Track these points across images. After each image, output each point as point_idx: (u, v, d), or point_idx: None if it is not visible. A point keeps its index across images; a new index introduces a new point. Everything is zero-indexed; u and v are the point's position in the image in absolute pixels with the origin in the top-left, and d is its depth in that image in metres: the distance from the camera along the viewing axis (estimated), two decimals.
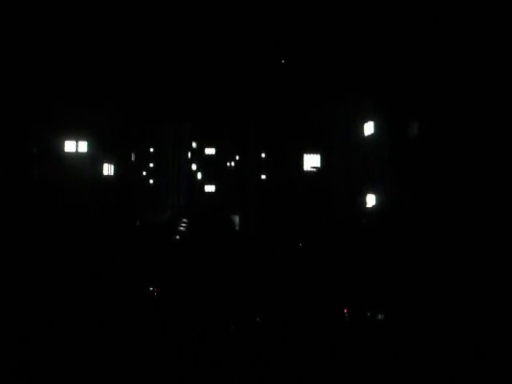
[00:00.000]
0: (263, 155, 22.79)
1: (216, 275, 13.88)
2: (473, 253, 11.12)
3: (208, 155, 35.30)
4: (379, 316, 11.10)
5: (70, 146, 20.74)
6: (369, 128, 19.44)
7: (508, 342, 8.67)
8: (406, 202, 14.73)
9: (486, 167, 11.55)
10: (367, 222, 18.80)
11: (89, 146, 20.92)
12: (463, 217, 11.81)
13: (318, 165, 21.84)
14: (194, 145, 34.99)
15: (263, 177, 22.74)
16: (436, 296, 11.13)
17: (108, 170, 22.10)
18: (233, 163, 34.70)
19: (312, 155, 21.87)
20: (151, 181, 29.55)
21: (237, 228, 25.11)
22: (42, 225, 16.40)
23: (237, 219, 26.56)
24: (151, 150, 29.13)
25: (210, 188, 35.09)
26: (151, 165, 29.53)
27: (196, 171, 35.25)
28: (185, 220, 26.96)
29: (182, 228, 25.53)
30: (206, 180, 35.27)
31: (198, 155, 35.20)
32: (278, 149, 21.86)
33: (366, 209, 19.31)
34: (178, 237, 23.50)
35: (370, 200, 19.26)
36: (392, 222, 15.69)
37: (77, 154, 20.67)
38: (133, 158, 23.60)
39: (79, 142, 20.73)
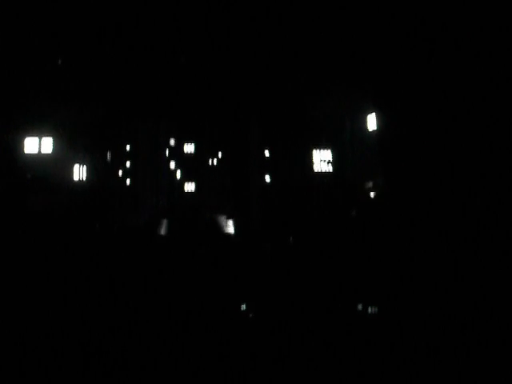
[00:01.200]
0: (264, 150, 21.85)
1: (204, 278, 13.05)
2: (469, 249, 10.37)
3: (187, 153, 34.25)
4: (374, 311, 10.63)
5: (31, 144, 18.50)
6: (371, 122, 19.54)
7: (508, 341, 8.25)
8: (395, 196, 14.31)
9: (482, 166, 10.59)
10: (358, 215, 18.84)
11: (54, 143, 18.85)
12: (457, 213, 11.18)
13: (324, 161, 21.32)
14: (172, 142, 33.80)
15: (263, 171, 21.79)
16: (432, 291, 10.40)
17: (80, 172, 20.16)
18: (215, 160, 33.60)
19: (322, 151, 21.32)
20: (128, 181, 28.16)
21: (224, 229, 23.86)
22: None
23: (223, 220, 25.52)
24: (127, 148, 27.58)
25: (190, 187, 34.12)
26: (128, 165, 28.11)
27: (175, 170, 34.13)
28: (165, 221, 25.81)
29: (162, 231, 24.31)
30: (186, 179, 34.24)
31: (177, 153, 34.09)
32: (281, 144, 20.95)
33: (359, 202, 19.33)
34: (159, 240, 22.22)
35: (366, 193, 19.45)
36: (383, 216, 15.17)
37: (41, 154, 18.57)
38: (108, 158, 21.76)
39: (43, 139, 18.59)
